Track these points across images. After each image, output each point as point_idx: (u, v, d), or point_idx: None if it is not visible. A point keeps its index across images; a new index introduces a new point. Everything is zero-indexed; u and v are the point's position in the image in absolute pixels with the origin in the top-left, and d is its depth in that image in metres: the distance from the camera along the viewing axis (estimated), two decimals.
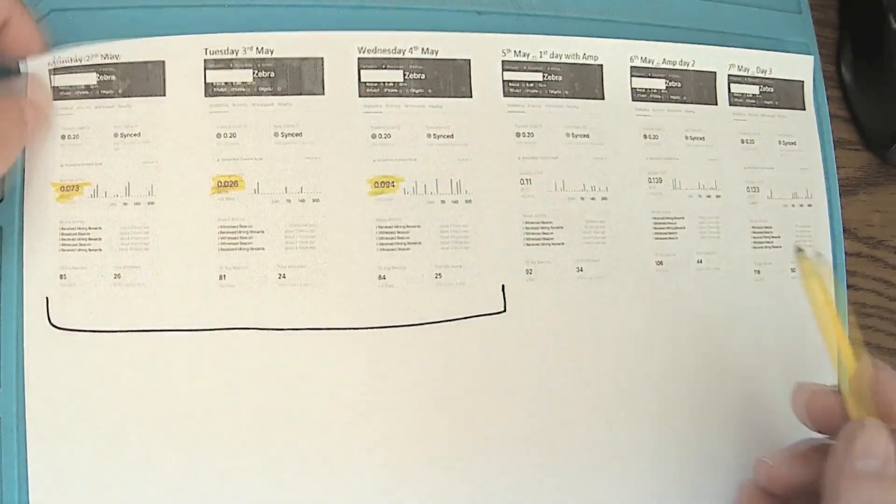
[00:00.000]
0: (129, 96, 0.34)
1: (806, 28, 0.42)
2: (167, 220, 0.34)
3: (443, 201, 0.35)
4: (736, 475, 0.35)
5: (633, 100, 0.38)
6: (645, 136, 0.38)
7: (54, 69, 0.33)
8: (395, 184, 0.35)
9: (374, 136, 0.35)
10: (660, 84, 0.38)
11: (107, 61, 0.34)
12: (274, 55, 0.35)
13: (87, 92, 0.34)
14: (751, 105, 0.40)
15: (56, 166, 0.33)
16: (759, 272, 0.38)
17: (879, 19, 0.42)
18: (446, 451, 0.34)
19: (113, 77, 0.34)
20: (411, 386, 0.34)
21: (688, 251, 0.38)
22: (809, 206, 0.40)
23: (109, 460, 0.32)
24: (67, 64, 0.33)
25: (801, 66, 0.40)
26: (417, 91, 0.36)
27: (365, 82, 0.35)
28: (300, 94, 0.35)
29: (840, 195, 0.40)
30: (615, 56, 0.38)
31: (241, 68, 0.35)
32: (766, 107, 0.40)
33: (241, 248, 0.34)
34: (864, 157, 0.44)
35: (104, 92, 0.34)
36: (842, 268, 0.40)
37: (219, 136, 0.34)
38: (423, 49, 0.36)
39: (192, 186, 0.34)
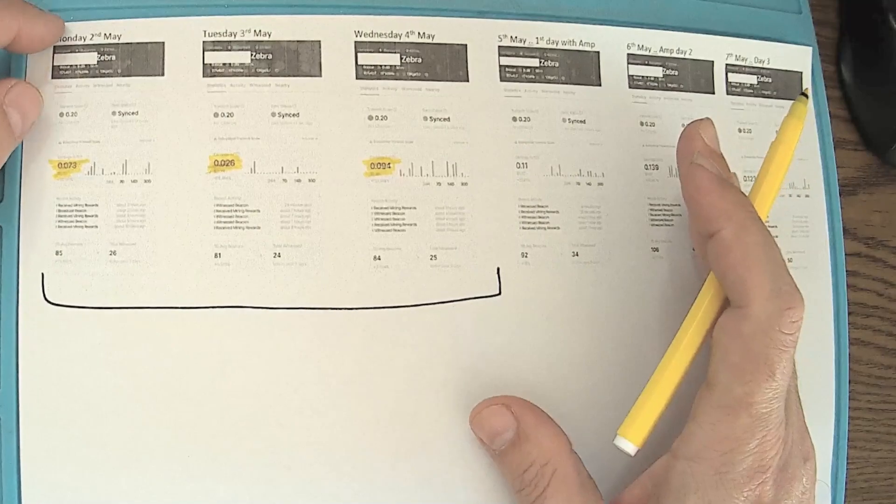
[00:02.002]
0: (128, 76, 0.34)
1: (806, 28, 0.42)
2: (164, 198, 0.34)
3: (438, 183, 0.35)
4: None
5: (630, 87, 0.38)
6: (641, 123, 0.38)
7: (55, 46, 0.34)
8: (391, 165, 0.35)
9: (370, 118, 0.35)
10: (657, 72, 0.38)
11: (108, 41, 0.34)
12: (272, 38, 0.35)
13: (86, 71, 0.34)
14: (748, 95, 0.40)
15: (54, 143, 0.34)
16: None
17: (879, 19, 0.42)
18: (439, 433, 0.34)
19: (113, 57, 0.34)
20: (405, 367, 0.34)
21: (684, 238, 0.37)
22: (807, 196, 0.40)
23: (102, 437, 0.32)
24: (69, 43, 0.34)
25: (799, 57, 0.40)
26: (414, 74, 0.36)
27: (362, 65, 0.36)
28: (297, 76, 0.35)
29: (840, 195, 0.40)
30: (612, 43, 0.38)
31: (239, 50, 0.35)
32: (763, 97, 0.40)
33: (236, 227, 0.34)
34: (864, 157, 0.44)
35: (104, 71, 0.34)
36: (842, 268, 0.40)
37: (216, 115, 0.34)
38: (419, 33, 0.36)
39: (189, 165, 0.34)
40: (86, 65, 0.34)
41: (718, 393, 0.29)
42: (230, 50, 0.35)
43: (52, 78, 0.34)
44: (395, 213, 0.35)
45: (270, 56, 0.35)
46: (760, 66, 0.40)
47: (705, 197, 0.30)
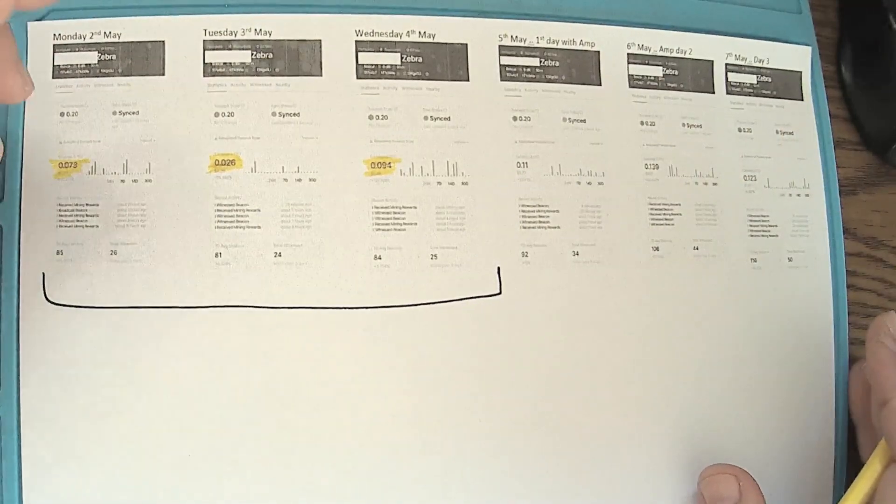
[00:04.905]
0: (128, 75, 0.34)
1: (806, 28, 0.42)
2: (164, 198, 0.34)
3: (439, 183, 0.35)
4: (730, 458, 0.35)
5: (630, 86, 0.38)
6: (642, 123, 0.38)
7: (56, 45, 0.34)
8: (391, 165, 0.35)
9: (371, 118, 0.35)
10: (657, 71, 0.38)
11: (108, 40, 0.34)
12: (272, 37, 0.35)
13: (87, 70, 0.34)
14: (748, 94, 0.40)
15: (55, 143, 0.33)
16: (755, 260, 0.38)
17: (879, 19, 0.42)
18: (440, 433, 0.34)
19: (113, 56, 0.34)
20: (406, 366, 0.34)
21: (684, 238, 0.37)
22: (807, 195, 0.40)
23: (103, 436, 0.32)
24: (69, 41, 0.34)
25: (798, 57, 0.41)
26: (415, 74, 0.36)
27: (363, 64, 0.36)
28: (298, 76, 0.35)
29: (840, 195, 0.40)
30: (612, 43, 0.38)
31: (239, 49, 0.35)
32: (763, 96, 0.40)
33: (237, 227, 0.34)
34: (864, 157, 0.44)
35: (104, 71, 0.34)
36: (842, 268, 0.40)
37: (217, 115, 0.34)
38: (420, 33, 0.36)
39: (190, 164, 0.34)
40: (86, 64, 0.34)
41: None
42: (231, 49, 0.35)
43: (53, 78, 0.34)
44: (395, 213, 0.35)
45: (271, 55, 0.35)
46: (760, 65, 0.40)
47: (884, 369, 0.33)
